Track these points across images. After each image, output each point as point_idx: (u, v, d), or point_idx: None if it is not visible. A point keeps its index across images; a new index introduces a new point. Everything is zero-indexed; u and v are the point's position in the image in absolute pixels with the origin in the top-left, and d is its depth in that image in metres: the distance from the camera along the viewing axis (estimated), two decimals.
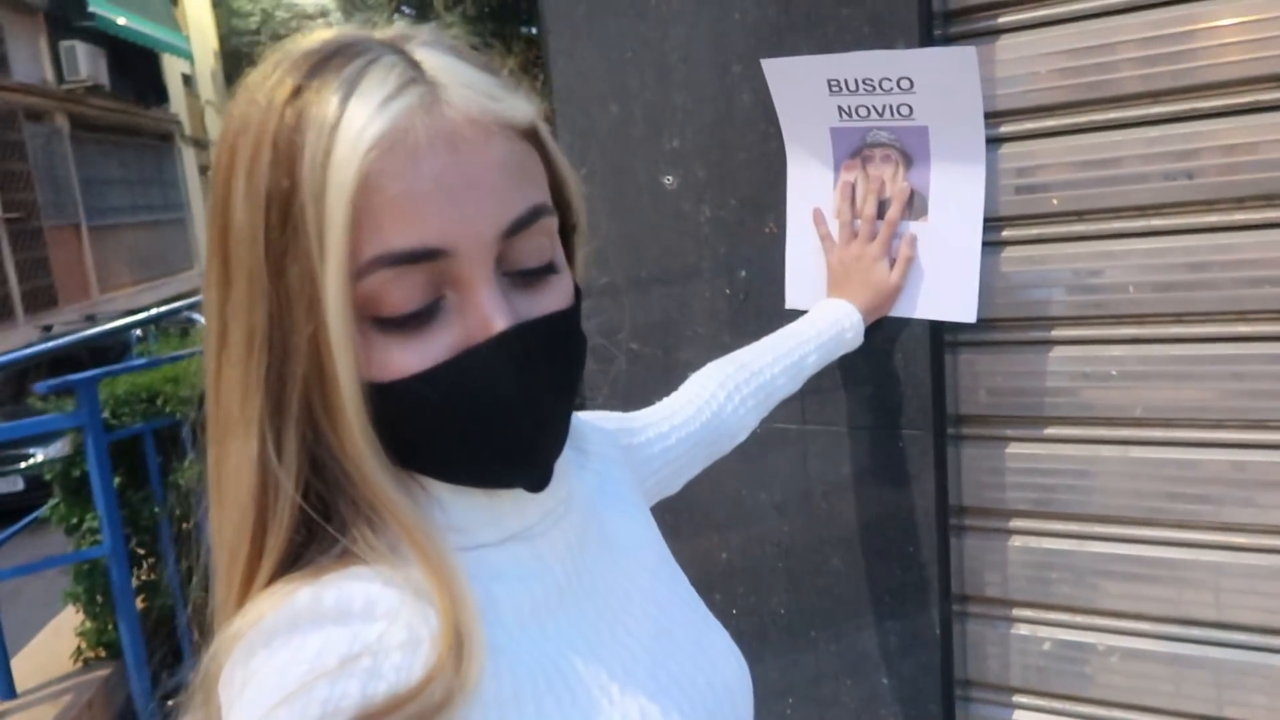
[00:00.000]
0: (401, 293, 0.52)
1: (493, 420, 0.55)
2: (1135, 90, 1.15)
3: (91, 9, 13.27)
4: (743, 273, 1.35)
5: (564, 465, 0.65)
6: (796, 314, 1.20)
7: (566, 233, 0.64)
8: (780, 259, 1.32)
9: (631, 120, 1.37)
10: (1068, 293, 1.23)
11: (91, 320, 9.57)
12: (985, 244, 1.21)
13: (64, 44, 13.33)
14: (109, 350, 7.32)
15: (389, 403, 0.54)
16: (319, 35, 0.55)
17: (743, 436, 1.02)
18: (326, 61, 0.53)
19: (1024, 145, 1.22)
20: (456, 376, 0.54)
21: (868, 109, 1.17)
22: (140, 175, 16.57)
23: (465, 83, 0.54)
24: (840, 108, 1.18)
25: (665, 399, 0.97)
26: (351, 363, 0.52)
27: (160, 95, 17.54)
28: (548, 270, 0.58)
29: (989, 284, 1.24)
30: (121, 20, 14.22)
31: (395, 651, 0.49)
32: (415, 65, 0.54)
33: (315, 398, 0.53)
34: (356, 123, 0.51)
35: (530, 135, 0.58)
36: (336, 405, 0.52)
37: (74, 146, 13.84)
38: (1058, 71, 1.19)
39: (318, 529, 0.55)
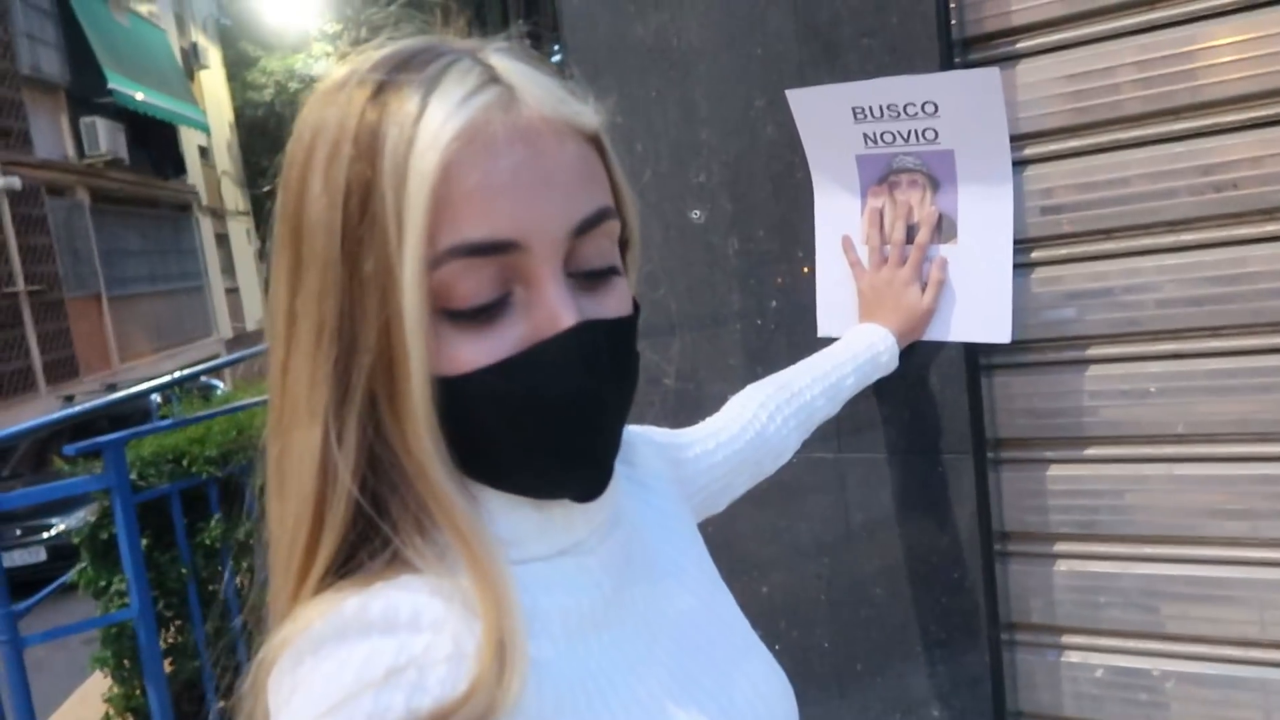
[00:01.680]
0: (472, 284, 0.54)
1: (556, 417, 0.56)
2: (1157, 108, 1.16)
3: (111, 86, 13.61)
4: (773, 303, 1.35)
5: (612, 480, 0.66)
6: (829, 343, 1.20)
7: (621, 247, 0.65)
8: (810, 288, 1.32)
9: (657, 157, 1.39)
10: (1101, 311, 1.23)
11: (112, 389, 9.66)
12: (1016, 265, 1.21)
13: (84, 120, 13.67)
14: (130, 418, 7.38)
15: (454, 398, 0.54)
16: (395, 43, 0.58)
17: (786, 457, 1.02)
18: (407, 63, 0.55)
19: (1049, 166, 1.23)
20: (524, 370, 0.54)
21: (893, 135, 1.18)
22: (159, 245, 16.84)
23: (538, 85, 0.57)
24: (865, 135, 1.20)
25: (709, 419, 0.97)
26: (423, 352, 0.52)
27: (178, 167, 17.89)
28: (610, 273, 0.59)
29: (1021, 305, 1.24)
30: (140, 96, 14.57)
31: (441, 664, 0.50)
32: (490, 68, 0.56)
33: (381, 391, 0.54)
34: (438, 116, 0.52)
35: (595, 142, 0.60)
36: (404, 398, 0.53)
37: (94, 219, 14.10)
38: (1078, 93, 1.20)
39: (369, 529, 0.55)
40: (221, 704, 2.89)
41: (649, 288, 1.40)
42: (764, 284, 1.36)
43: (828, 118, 1.21)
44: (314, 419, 0.54)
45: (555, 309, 0.55)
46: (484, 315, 0.54)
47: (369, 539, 0.56)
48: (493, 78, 0.55)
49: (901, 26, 1.21)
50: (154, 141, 16.28)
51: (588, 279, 0.58)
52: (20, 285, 11.63)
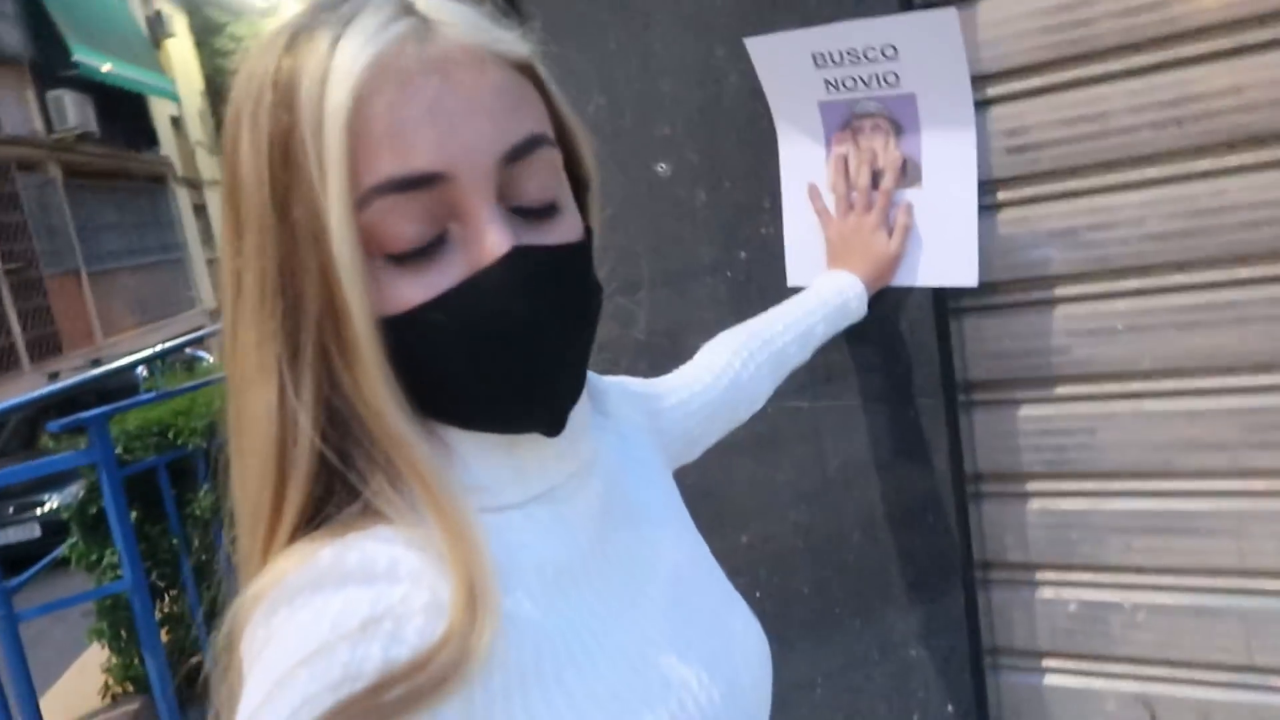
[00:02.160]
0: (404, 225, 0.53)
1: (503, 347, 0.55)
2: (1118, 42, 1.15)
3: (76, 57, 13.33)
4: (742, 254, 1.35)
5: (584, 424, 0.65)
6: (799, 292, 1.21)
7: (578, 189, 0.64)
8: (779, 238, 1.32)
9: (620, 112, 1.37)
10: (1067, 250, 1.23)
11: (97, 365, 9.61)
12: (982, 207, 1.21)
13: (51, 94, 13.40)
14: (116, 393, 7.32)
15: (401, 339, 0.54)
16: None
17: (760, 403, 1.02)
18: (320, 11, 0.54)
19: (1012, 106, 1.22)
20: (462, 301, 0.54)
21: (854, 80, 1.17)
22: (136, 219, 16.63)
23: (456, 16, 0.56)
24: (827, 81, 1.19)
25: (681, 368, 0.97)
26: (362, 292, 0.52)
27: (150, 139, 17.61)
28: (553, 209, 0.58)
29: (988, 247, 1.24)
30: (106, 67, 14.29)
31: (418, 615, 0.50)
32: (407, 3, 0.55)
33: (330, 340, 0.53)
34: (349, 52, 0.52)
35: (526, 71, 0.58)
36: (351, 343, 0.53)
37: (68, 194, 13.88)
38: (1039, 30, 1.19)
39: (336, 484, 0.55)
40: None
41: (618, 242, 1.39)
42: (733, 235, 1.36)
43: (788, 65, 1.20)
44: (267, 375, 0.54)
45: (489, 239, 0.54)
46: (422, 255, 0.54)
47: (335, 493, 0.56)
48: (407, 10, 0.54)
49: None
50: (124, 114, 16.00)
51: (529, 215, 0.57)
52: None
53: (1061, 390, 1.29)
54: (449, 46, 0.54)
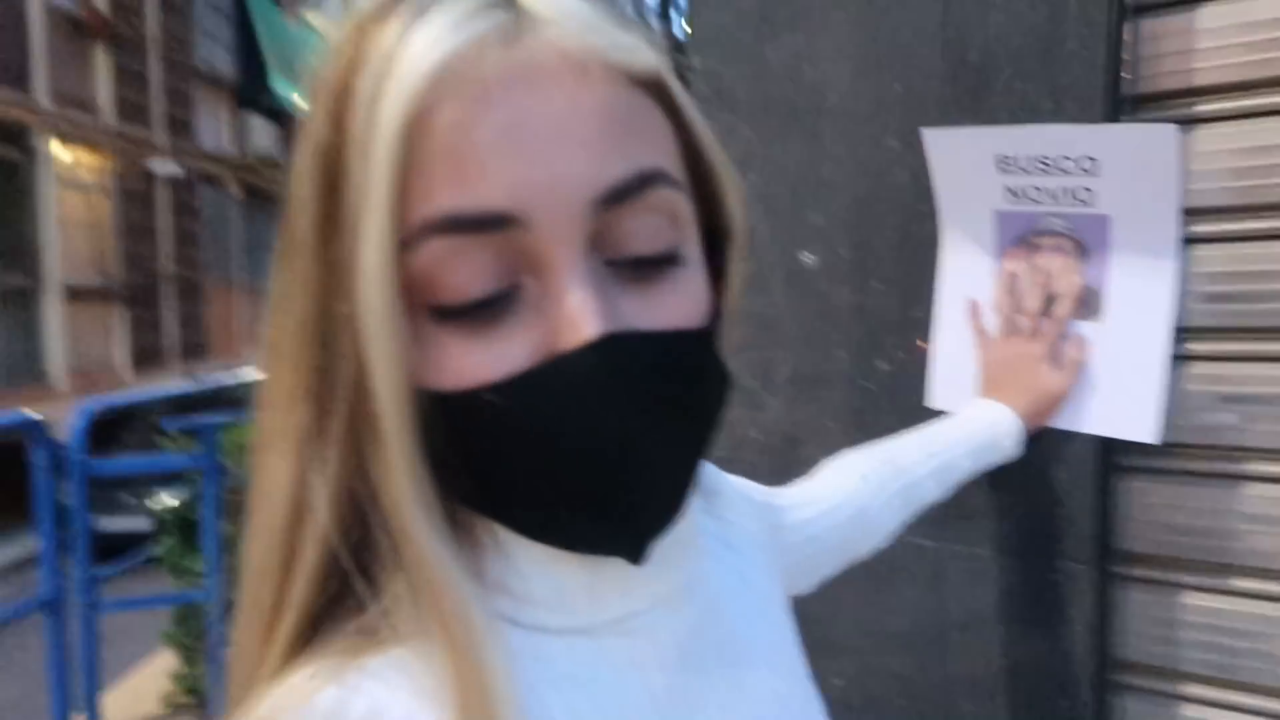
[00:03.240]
0: (463, 273, 0.41)
1: (576, 457, 0.43)
2: None
3: (274, 88, 14.35)
4: (883, 365, 1.22)
5: (688, 540, 0.53)
6: (938, 416, 1.07)
7: (718, 241, 0.52)
8: (925, 354, 1.18)
9: (773, 191, 1.28)
10: (1267, 421, 1.05)
11: (230, 373, 10.04)
12: (1171, 356, 1.05)
13: (245, 117, 14.47)
14: (245, 403, 7.62)
15: (447, 420, 0.43)
16: None
17: (884, 540, 0.88)
18: None
19: (1220, 249, 1.07)
20: (531, 393, 0.42)
21: (1040, 191, 1.04)
22: None
23: (566, 13, 0.44)
24: (1009, 188, 1.06)
25: (803, 482, 0.84)
26: (392, 354, 0.41)
27: None
28: (668, 263, 0.45)
29: (1172, 403, 1.07)
30: (301, 101, 15.35)
31: None
32: None
33: (363, 411, 0.43)
34: (417, 49, 0.41)
35: (652, 88, 0.46)
36: (376, 417, 0.42)
37: (243, 212, 14.85)
38: (1263, 169, 1.04)
39: (347, 586, 0.45)
40: None
41: (746, 329, 1.28)
42: (875, 343, 1.23)
43: (968, 165, 1.08)
44: (288, 441, 0.44)
45: (573, 312, 0.42)
46: (483, 314, 0.42)
47: (348, 595, 0.45)
48: (501, 2, 0.43)
49: (1065, 73, 1.07)
50: None
51: (634, 269, 0.44)
52: (167, 267, 12.31)
53: (1239, 583, 1.09)
54: (544, 51, 0.42)
